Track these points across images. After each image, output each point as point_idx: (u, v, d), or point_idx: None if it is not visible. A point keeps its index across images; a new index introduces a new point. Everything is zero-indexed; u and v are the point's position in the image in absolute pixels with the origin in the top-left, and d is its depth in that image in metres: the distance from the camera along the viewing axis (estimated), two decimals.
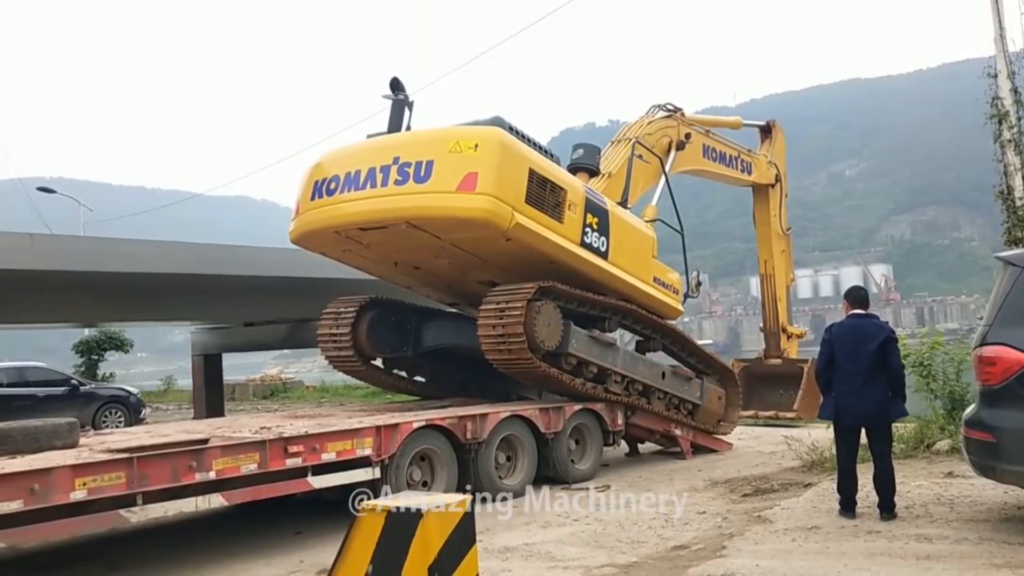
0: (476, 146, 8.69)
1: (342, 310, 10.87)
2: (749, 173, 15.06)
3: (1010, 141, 13.42)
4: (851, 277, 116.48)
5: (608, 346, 10.55)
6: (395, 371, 11.71)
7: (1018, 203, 13.20)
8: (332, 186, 9.23)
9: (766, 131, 16.33)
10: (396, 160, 8.86)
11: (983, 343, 6.31)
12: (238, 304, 21.37)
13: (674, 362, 11.94)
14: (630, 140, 12.16)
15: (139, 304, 20.03)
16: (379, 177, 8.86)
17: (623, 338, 11.99)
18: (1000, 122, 13.53)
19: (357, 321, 10.74)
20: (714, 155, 14.03)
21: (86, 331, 31.45)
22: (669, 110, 13.18)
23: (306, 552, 7.01)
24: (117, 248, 17.01)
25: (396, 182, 8.76)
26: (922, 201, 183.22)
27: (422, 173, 8.66)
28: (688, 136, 13.08)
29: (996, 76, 13.62)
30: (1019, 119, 13.47)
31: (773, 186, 15.80)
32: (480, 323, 9.39)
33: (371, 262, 10.35)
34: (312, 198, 9.45)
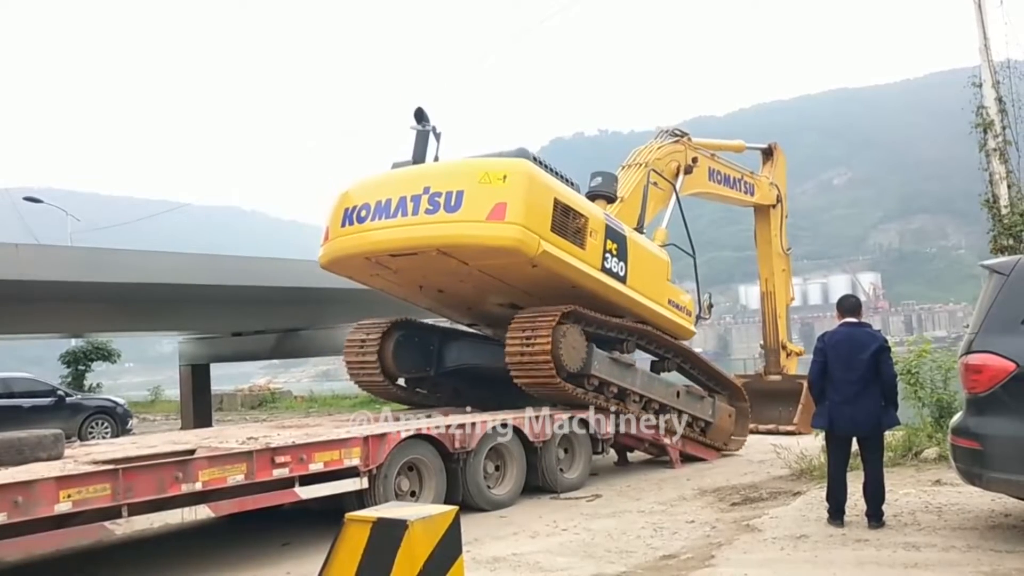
0: (505, 177, 9.05)
1: (368, 335, 11.18)
2: (752, 194, 15.38)
3: (995, 150, 13.49)
4: (840, 285, 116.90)
5: (627, 367, 10.88)
6: (417, 389, 11.91)
7: (1004, 211, 13.28)
8: (363, 214, 9.61)
9: (768, 153, 16.66)
10: (427, 190, 9.23)
11: (969, 351, 6.33)
12: (226, 314, 21.32)
13: (687, 381, 12.30)
14: (640, 164, 12.53)
15: (126, 314, 19.94)
16: (410, 206, 9.24)
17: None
18: (985, 131, 13.62)
19: (383, 343, 11.06)
20: (719, 178, 14.34)
21: (73, 341, 31.26)
22: (676, 135, 13.48)
23: (294, 563, 6.97)
24: (104, 258, 16.93)
25: (427, 211, 9.14)
26: (910, 209, 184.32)
27: (452, 203, 9.03)
28: (695, 160, 13.40)
29: (981, 86, 13.71)
30: (1004, 128, 13.55)
31: (774, 206, 16.08)
32: (508, 346, 9.74)
33: (397, 286, 10.70)
34: (343, 225, 9.80)
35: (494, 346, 10.77)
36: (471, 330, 12.15)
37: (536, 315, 9.73)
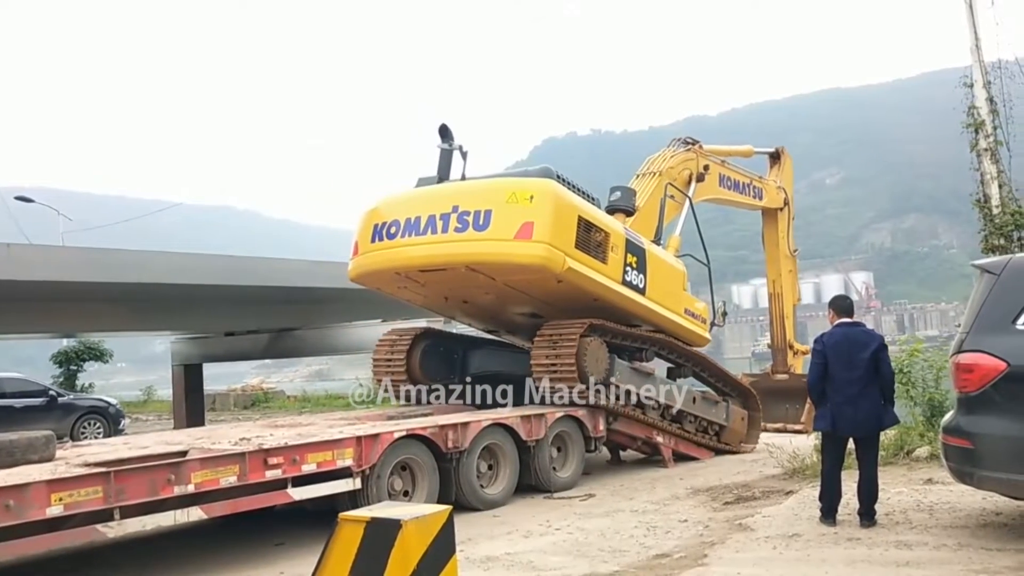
0: (531, 197, 9.39)
1: (395, 348, 11.45)
2: (760, 198, 15.46)
3: (986, 150, 13.55)
4: (832, 285, 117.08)
5: (647, 375, 11.25)
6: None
7: (995, 211, 13.33)
8: (392, 230, 9.95)
9: (775, 157, 16.68)
10: (455, 208, 9.56)
11: (960, 350, 6.35)
12: (219, 314, 21.27)
13: (703, 387, 12.58)
14: (654, 174, 12.71)
15: (119, 314, 19.88)
16: (439, 224, 9.59)
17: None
18: (976, 131, 13.66)
19: (409, 355, 11.40)
20: (729, 184, 14.46)
21: (64, 341, 31.14)
22: (688, 143, 13.59)
23: (287, 563, 6.96)
24: (97, 258, 16.87)
25: (456, 229, 9.48)
26: (902, 209, 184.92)
27: (481, 221, 9.39)
28: (706, 168, 13.55)
29: (972, 86, 13.76)
30: (995, 128, 13.60)
31: (781, 210, 16.12)
32: (534, 359, 10.13)
33: (423, 297, 11.05)
34: (372, 240, 10.14)
35: (514, 352, 11.58)
36: (491, 337, 12.44)
37: (561, 329, 10.04)
